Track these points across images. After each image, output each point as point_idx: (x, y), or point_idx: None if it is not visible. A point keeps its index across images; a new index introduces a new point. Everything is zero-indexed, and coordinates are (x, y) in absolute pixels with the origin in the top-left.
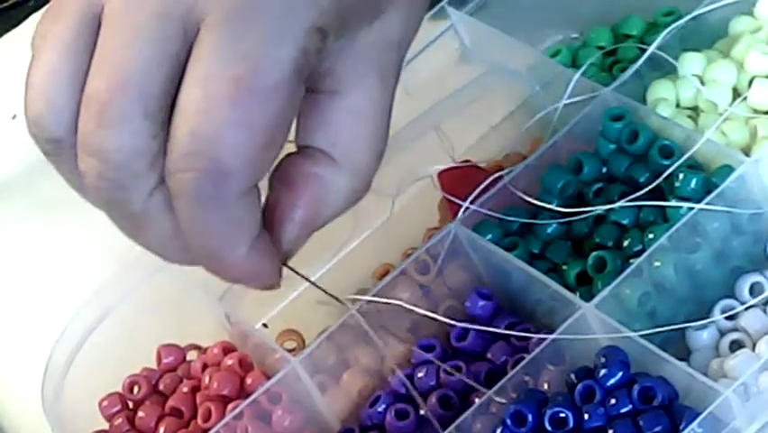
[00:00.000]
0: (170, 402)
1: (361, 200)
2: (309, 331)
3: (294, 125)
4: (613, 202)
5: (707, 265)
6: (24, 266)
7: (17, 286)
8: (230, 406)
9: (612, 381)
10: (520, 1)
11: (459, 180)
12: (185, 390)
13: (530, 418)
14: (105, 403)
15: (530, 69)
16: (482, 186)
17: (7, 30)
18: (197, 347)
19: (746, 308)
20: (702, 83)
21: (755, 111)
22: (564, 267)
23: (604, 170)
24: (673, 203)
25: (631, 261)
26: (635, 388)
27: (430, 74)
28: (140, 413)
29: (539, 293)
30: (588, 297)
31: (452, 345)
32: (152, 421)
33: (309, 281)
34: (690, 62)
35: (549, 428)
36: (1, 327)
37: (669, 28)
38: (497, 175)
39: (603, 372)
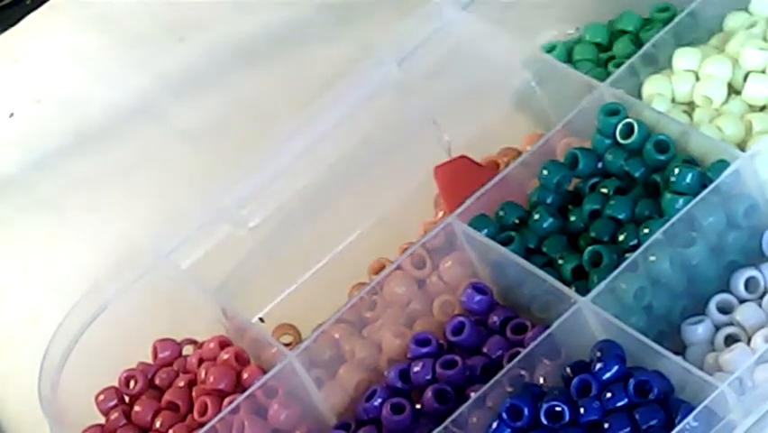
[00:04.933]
0: (166, 397)
1: None
2: (305, 326)
3: None
4: (608, 197)
5: (702, 260)
6: (21, 264)
7: (14, 283)
8: (226, 400)
9: (608, 375)
10: None
11: (455, 176)
12: (181, 384)
13: (526, 411)
14: (101, 398)
15: (526, 65)
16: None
17: (4, 29)
18: (193, 342)
19: (742, 303)
20: (697, 78)
21: (750, 106)
22: (560, 261)
23: (600, 164)
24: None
25: (627, 255)
26: (631, 382)
27: (426, 70)
28: (136, 408)
29: (535, 288)
30: (583, 291)
31: (448, 340)
32: (148, 415)
33: None
34: (685, 58)
35: (545, 421)
36: None
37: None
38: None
39: (599, 366)
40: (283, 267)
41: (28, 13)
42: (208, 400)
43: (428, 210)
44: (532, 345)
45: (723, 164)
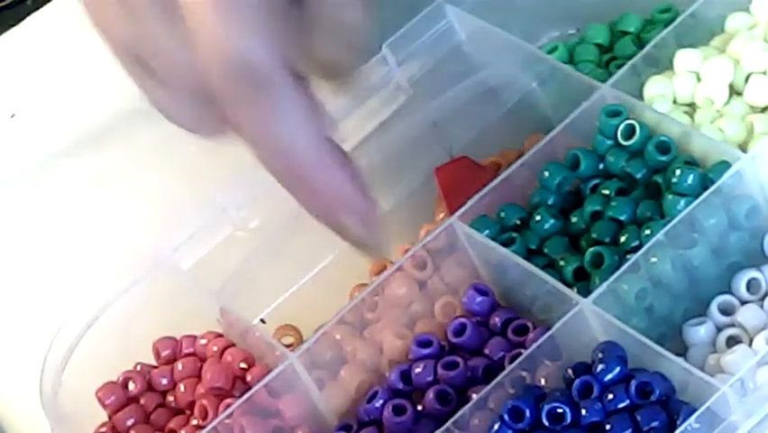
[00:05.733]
0: (168, 397)
1: None
2: (307, 327)
3: None
4: (610, 198)
5: (704, 261)
6: (22, 264)
7: (15, 283)
8: (227, 402)
9: (609, 376)
10: None
11: (456, 177)
12: (182, 386)
13: (528, 413)
14: (100, 393)
15: (527, 66)
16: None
17: (6, 29)
18: (193, 338)
19: (743, 304)
20: (698, 79)
21: (752, 107)
22: (561, 263)
23: (601, 166)
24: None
25: (628, 256)
26: (633, 383)
27: (427, 70)
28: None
29: (536, 289)
30: (585, 292)
31: (450, 341)
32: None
33: None
34: (687, 58)
35: (546, 423)
36: None
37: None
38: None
39: (600, 367)
40: (284, 268)
41: (29, 14)
42: (209, 402)
43: (429, 211)
44: (533, 346)
45: (724, 165)
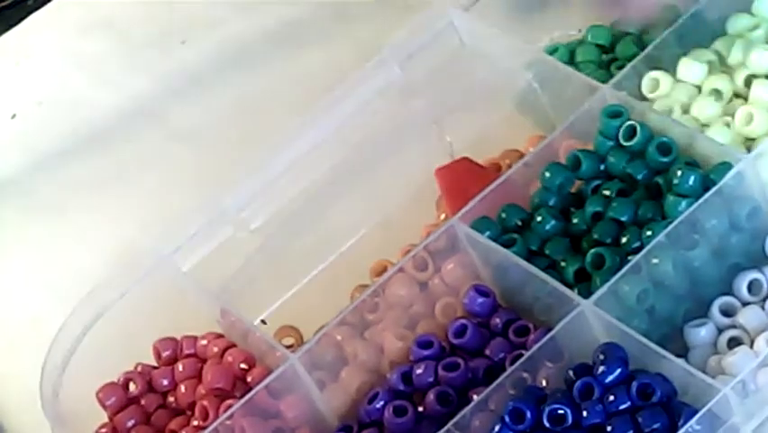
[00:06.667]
0: (168, 398)
1: None
2: (307, 328)
3: None
4: (611, 199)
5: (705, 262)
6: (22, 266)
7: (14, 286)
8: (227, 402)
9: (610, 377)
10: None
11: (457, 177)
12: (183, 387)
13: (529, 414)
14: (101, 394)
15: (528, 67)
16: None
17: (6, 30)
18: (194, 338)
19: (744, 305)
20: (699, 92)
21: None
22: (563, 264)
23: (602, 167)
24: None
25: (629, 257)
26: (634, 385)
27: (429, 71)
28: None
29: (537, 290)
30: (586, 294)
31: (451, 342)
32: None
33: None
34: (689, 70)
35: (548, 424)
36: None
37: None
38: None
39: (601, 368)
40: (285, 269)
41: (30, 13)
42: (210, 403)
43: (430, 212)
44: (534, 347)
45: (726, 166)
